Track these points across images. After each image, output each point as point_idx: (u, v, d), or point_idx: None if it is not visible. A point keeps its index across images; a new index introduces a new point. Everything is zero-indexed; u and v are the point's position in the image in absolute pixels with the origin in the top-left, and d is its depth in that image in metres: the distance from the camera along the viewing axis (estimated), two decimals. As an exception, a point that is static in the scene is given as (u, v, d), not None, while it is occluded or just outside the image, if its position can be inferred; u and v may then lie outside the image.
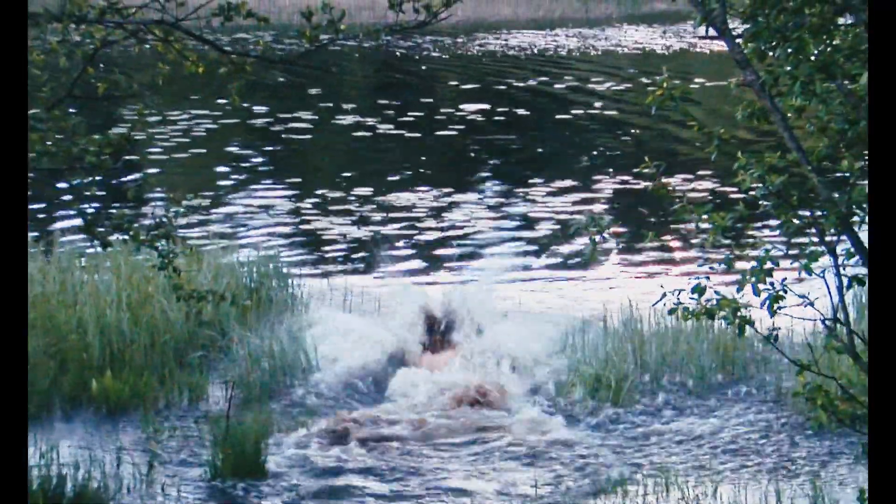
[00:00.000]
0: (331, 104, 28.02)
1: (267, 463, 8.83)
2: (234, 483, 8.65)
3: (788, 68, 5.75)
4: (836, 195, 5.93)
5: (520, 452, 9.33)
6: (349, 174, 20.51)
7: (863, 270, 6.09)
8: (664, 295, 6.44)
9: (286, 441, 9.37)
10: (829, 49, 5.81)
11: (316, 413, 10.02)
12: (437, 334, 11.89)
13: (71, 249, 13.48)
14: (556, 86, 31.88)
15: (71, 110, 7.93)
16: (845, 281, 6.24)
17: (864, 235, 6.10)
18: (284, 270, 13.24)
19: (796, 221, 6.18)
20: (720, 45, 6.05)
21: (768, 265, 6.10)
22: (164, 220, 7.77)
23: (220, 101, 24.59)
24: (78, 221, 8.19)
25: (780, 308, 6.11)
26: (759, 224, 13.02)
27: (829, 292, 6.25)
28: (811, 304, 6.36)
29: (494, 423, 9.92)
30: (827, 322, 6.34)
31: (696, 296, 6.29)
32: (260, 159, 22.21)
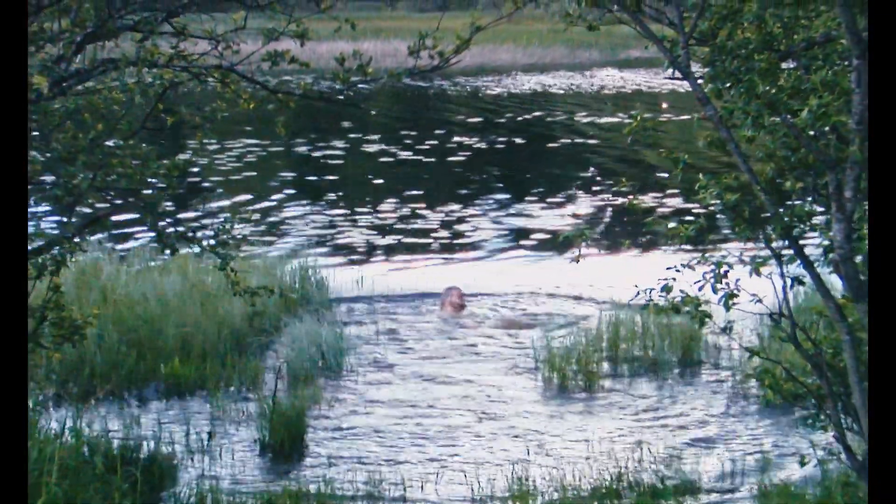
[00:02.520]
0: (360, 135, 28.05)
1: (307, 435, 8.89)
2: (279, 451, 8.68)
3: (741, 105, 5.77)
4: (781, 210, 5.95)
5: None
6: (375, 192, 20.56)
7: (802, 272, 6.11)
8: (638, 293, 6.47)
9: None
10: (774, 89, 5.82)
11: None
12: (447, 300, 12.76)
13: (145, 256, 13.53)
14: (548, 119, 31.87)
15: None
16: (788, 281, 6.26)
17: (806, 246, 6.13)
18: (321, 272, 13.28)
19: (748, 232, 6.20)
20: (685, 86, 6.04)
21: (724, 268, 6.13)
22: (222, 229, 7.80)
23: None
24: (151, 233, 8.22)
25: (734, 304, 6.12)
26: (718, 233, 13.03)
27: (775, 291, 6.26)
28: (760, 301, 6.38)
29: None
30: (773, 316, 6.35)
31: (664, 294, 6.31)
32: (301, 180, 22.25)
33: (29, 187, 7.73)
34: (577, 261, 6.72)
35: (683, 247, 6.45)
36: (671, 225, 6.41)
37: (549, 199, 19.94)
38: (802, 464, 7.04)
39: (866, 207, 6.01)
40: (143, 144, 7.75)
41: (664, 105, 33.93)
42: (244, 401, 9.66)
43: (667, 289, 6.29)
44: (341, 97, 7.78)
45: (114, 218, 8.57)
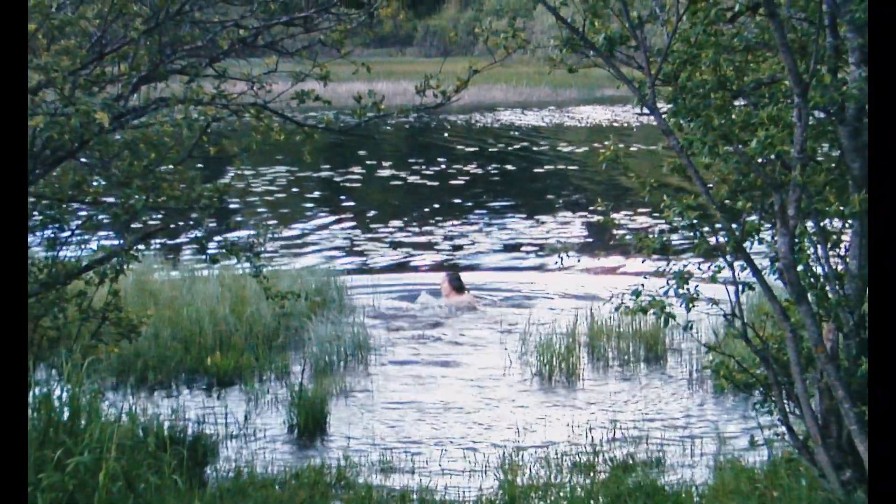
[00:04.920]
0: (374, 162, 28.08)
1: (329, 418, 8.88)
2: (305, 432, 8.67)
3: (699, 136, 5.78)
4: (734, 226, 5.95)
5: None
6: (387, 210, 20.57)
7: (752, 279, 6.11)
8: (612, 297, 6.47)
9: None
10: (728, 123, 5.83)
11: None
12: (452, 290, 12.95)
13: (190, 265, 13.53)
14: (534, 148, 31.88)
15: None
16: (740, 287, 6.26)
17: (755, 256, 6.12)
18: (341, 279, 13.28)
19: (705, 244, 6.20)
20: (652, 120, 6.05)
21: (685, 275, 6.13)
22: (256, 243, 7.81)
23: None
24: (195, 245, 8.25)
25: (693, 306, 6.13)
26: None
27: (729, 295, 6.26)
28: (716, 304, 6.38)
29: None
30: (727, 316, 6.35)
31: (634, 297, 6.31)
32: (324, 200, 22.25)
33: (90, 210, 7.75)
34: (560, 269, 6.72)
35: (651, 256, 6.44)
36: (641, 238, 6.41)
37: (536, 217, 19.94)
38: (752, 443, 7.04)
39: (807, 224, 6.02)
40: (191, 170, 7.76)
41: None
42: (275, 389, 9.65)
43: (636, 293, 6.30)
44: (358, 130, 7.75)
45: (164, 233, 8.59)
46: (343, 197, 22.73)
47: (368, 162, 28.02)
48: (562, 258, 6.67)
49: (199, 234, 8.31)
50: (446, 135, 36.28)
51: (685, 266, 6.23)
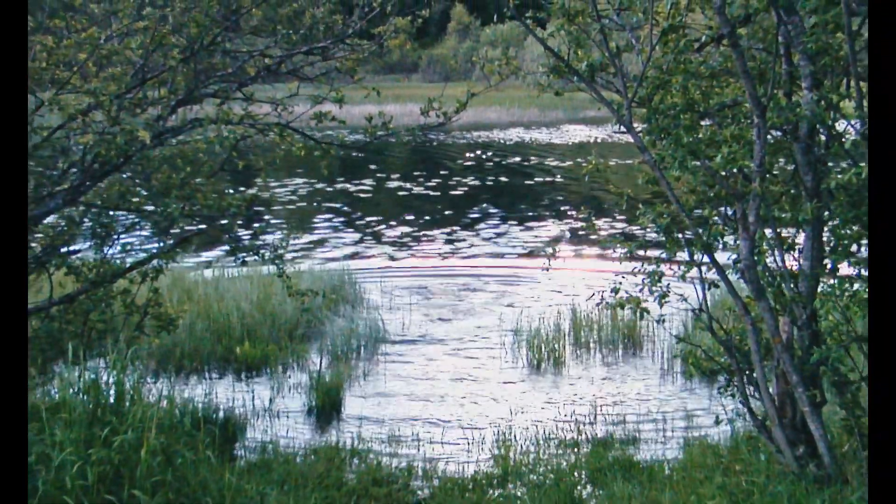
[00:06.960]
0: (384, 174, 28.06)
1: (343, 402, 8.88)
2: (323, 413, 8.67)
3: (671, 152, 5.79)
4: (701, 231, 5.96)
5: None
6: (395, 218, 20.55)
7: (717, 278, 6.12)
8: (593, 293, 6.47)
9: None
10: (695, 140, 5.84)
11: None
12: None
13: (221, 266, 13.52)
14: (525, 163, 31.86)
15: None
16: (707, 284, 6.26)
17: (719, 258, 6.13)
18: (353, 277, 13.28)
19: (676, 247, 6.20)
20: (629, 137, 6.06)
21: (658, 275, 6.13)
22: (280, 246, 7.81)
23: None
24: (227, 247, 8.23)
25: (665, 302, 6.13)
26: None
27: (696, 292, 6.26)
28: (685, 300, 6.39)
29: None
30: (695, 311, 6.35)
31: (613, 294, 6.32)
32: (340, 208, 22.24)
33: (133, 217, 7.76)
34: (548, 269, 6.73)
35: (628, 258, 6.45)
36: (619, 244, 6.42)
37: (527, 223, 19.93)
38: (717, 422, 7.04)
39: (766, 230, 6.02)
40: (222, 182, 7.76)
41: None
42: (296, 375, 9.66)
43: (615, 290, 6.31)
44: (370, 146, 7.80)
45: (198, 237, 8.59)
46: (356, 205, 22.73)
47: (378, 175, 28.02)
48: (549, 259, 6.67)
49: (230, 239, 8.32)
50: (447, 151, 36.26)
51: (658, 267, 6.24)
